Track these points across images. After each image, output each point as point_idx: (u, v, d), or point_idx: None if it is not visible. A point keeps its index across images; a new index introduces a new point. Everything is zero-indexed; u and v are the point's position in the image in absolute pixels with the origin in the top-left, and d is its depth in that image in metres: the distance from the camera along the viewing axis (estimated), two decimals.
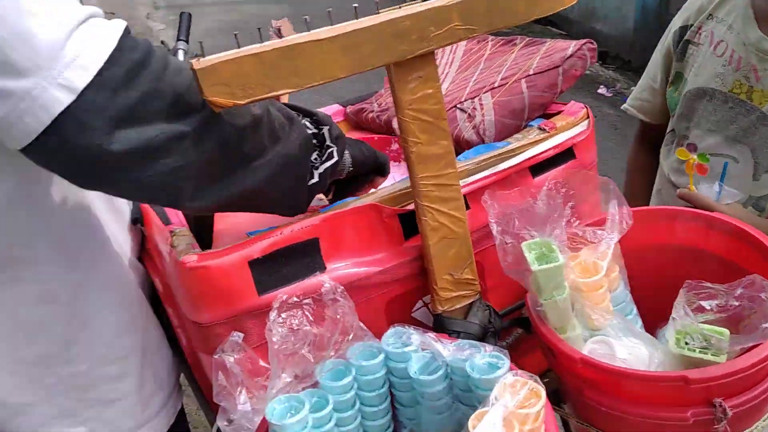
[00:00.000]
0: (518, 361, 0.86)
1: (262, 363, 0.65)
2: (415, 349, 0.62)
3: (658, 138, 1.21)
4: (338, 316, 0.59)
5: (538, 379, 0.54)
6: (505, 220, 0.67)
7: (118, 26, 0.52)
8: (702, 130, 1.08)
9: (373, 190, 0.78)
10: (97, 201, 0.70)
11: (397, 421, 0.68)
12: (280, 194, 0.65)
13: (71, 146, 0.50)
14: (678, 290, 0.82)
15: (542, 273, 0.63)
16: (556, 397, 0.87)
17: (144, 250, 0.80)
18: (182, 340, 0.76)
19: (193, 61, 0.52)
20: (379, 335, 0.75)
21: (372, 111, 1.03)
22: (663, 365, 0.65)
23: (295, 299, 0.61)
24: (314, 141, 0.67)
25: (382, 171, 0.79)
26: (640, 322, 0.77)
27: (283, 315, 0.60)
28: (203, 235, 0.76)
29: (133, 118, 0.51)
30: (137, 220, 0.79)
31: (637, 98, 1.23)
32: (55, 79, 0.48)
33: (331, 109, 1.10)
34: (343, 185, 0.77)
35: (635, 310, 0.77)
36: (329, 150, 0.68)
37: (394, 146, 1.00)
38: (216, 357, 0.62)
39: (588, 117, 0.86)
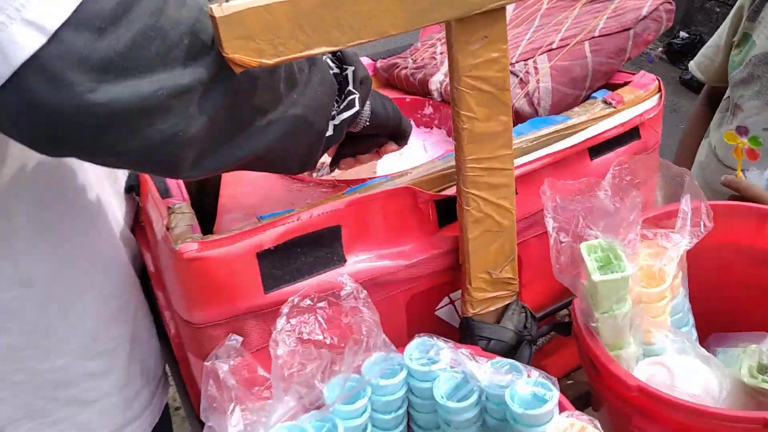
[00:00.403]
0: (542, 362, 0.84)
1: (261, 372, 0.60)
2: (444, 368, 0.58)
3: (715, 102, 1.17)
4: (363, 331, 0.54)
5: (597, 424, 0.50)
6: (564, 215, 0.61)
7: None
8: (762, 102, 1.03)
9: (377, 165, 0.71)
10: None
11: None
12: (293, 153, 0.58)
13: (38, 105, 0.40)
14: (732, 294, 0.79)
15: (605, 284, 0.58)
16: (582, 402, 0.84)
17: (137, 222, 0.73)
18: (170, 330, 0.70)
19: (213, 5, 0.44)
20: (397, 334, 0.70)
21: (405, 67, 0.95)
22: (730, 396, 0.62)
23: (308, 302, 0.56)
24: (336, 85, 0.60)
25: (400, 138, 0.72)
26: (695, 334, 0.73)
27: (293, 321, 0.55)
28: (205, 209, 0.70)
29: (123, 67, 0.41)
30: (132, 188, 0.71)
31: (701, 54, 1.20)
32: (18, 12, 0.38)
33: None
34: (346, 143, 0.69)
35: (692, 320, 0.73)
36: (351, 97, 0.60)
37: (428, 110, 0.93)
38: (208, 364, 0.56)
39: (660, 91, 0.79)
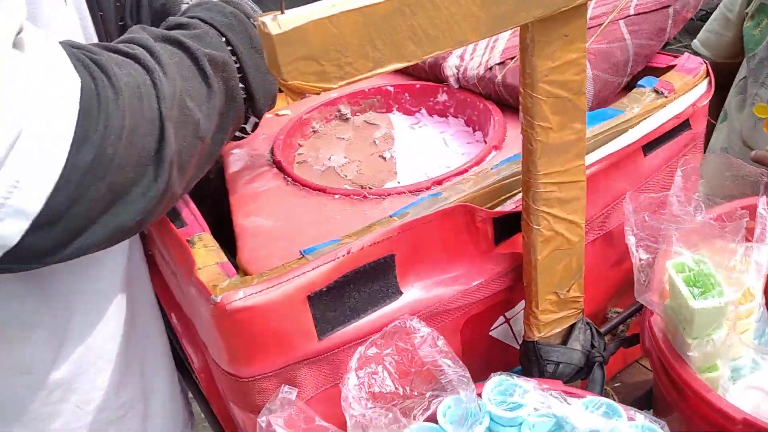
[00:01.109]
0: None
1: (319, 421, 0.53)
2: (529, 413, 0.51)
3: (720, 82, 1.11)
4: (442, 377, 0.47)
5: None
6: (648, 231, 0.55)
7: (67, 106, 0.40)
8: None
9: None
10: None
11: None
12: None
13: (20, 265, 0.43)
14: None
15: (703, 312, 0.52)
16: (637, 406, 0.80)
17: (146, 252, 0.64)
18: (193, 362, 0.62)
19: (264, 18, 0.35)
20: None
21: None
22: None
23: (375, 350, 0.48)
24: None
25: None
26: None
27: (361, 374, 0.48)
28: (215, 227, 0.61)
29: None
30: None
31: (706, 30, 1.13)
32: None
33: None
34: None
35: None
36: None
37: (442, 97, 0.85)
38: (262, 420, 0.49)
39: (708, 75, 0.73)
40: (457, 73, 0.84)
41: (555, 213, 0.54)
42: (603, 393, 0.60)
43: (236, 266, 0.59)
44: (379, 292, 0.53)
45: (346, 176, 0.78)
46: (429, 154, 0.82)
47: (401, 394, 0.47)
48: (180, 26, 0.53)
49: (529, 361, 0.61)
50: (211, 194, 0.78)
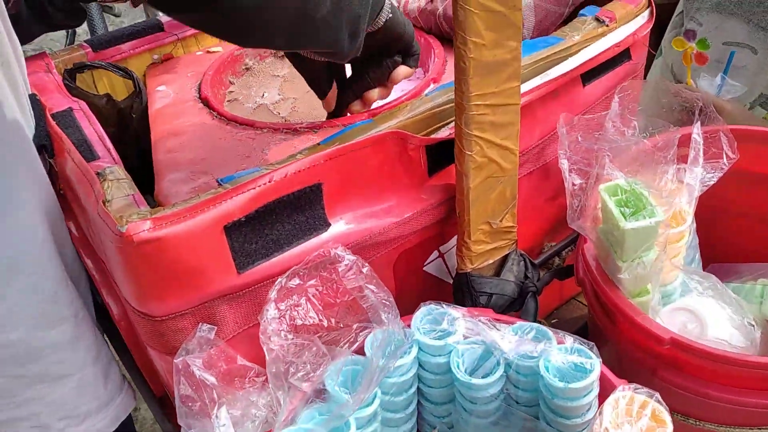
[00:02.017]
0: None
1: (241, 361, 0.50)
2: (459, 340, 0.49)
3: (663, 18, 1.10)
4: (366, 303, 0.44)
5: (659, 397, 0.43)
6: (583, 155, 0.53)
7: None
8: (722, 14, 0.97)
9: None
10: None
11: (420, 418, 0.56)
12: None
13: None
14: (726, 221, 0.75)
15: (634, 232, 0.50)
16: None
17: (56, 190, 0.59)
18: (112, 310, 0.57)
19: None
20: None
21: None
22: (764, 336, 0.57)
23: (297, 281, 0.45)
24: None
25: (412, 56, 0.62)
26: (701, 267, 0.68)
27: (282, 306, 0.45)
28: (134, 167, 0.57)
29: None
30: (44, 148, 0.57)
31: None
32: None
33: None
34: (352, 78, 0.62)
35: (698, 255, 0.68)
36: None
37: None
38: (178, 361, 0.46)
39: (650, 5, 0.71)
40: (398, 6, 0.80)
41: (488, 138, 0.52)
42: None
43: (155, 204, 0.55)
44: (305, 224, 0.50)
45: (279, 113, 0.73)
46: None
47: (326, 326, 0.45)
48: None
49: (462, 293, 0.59)
50: (135, 133, 0.73)
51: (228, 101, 0.77)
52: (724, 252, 0.72)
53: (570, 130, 0.51)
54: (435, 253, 0.64)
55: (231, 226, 0.45)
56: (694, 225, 0.62)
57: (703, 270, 0.73)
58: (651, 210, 0.49)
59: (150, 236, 0.43)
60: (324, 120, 0.64)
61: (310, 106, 0.75)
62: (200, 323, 0.47)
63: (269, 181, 0.47)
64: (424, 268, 0.64)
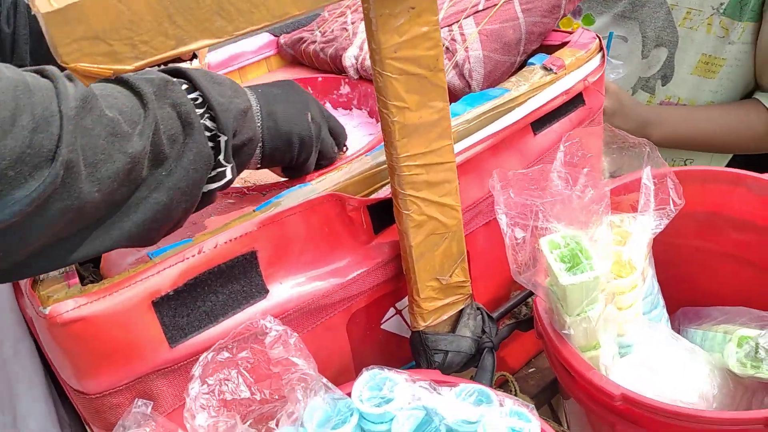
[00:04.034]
0: (500, 353, 0.77)
1: None
2: (401, 407, 0.49)
3: None
4: (299, 384, 0.44)
5: None
6: (520, 209, 0.53)
7: None
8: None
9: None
10: None
11: None
12: (161, 227, 0.47)
13: None
14: (696, 263, 0.74)
15: (575, 287, 0.50)
16: (548, 393, 0.78)
17: None
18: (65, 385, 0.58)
19: None
20: (341, 361, 0.61)
21: (314, 42, 0.83)
22: (719, 388, 0.56)
23: (227, 355, 0.45)
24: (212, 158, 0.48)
25: (327, 159, 0.61)
26: (666, 315, 0.67)
27: (210, 381, 0.44)
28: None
29: None
30: None
31: None
32: None
33: (258, 40, 0.88)
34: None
35: (662, 301, 0.67)
36: (221, 169, 0.49)
37: (344, 89, 0.82)
38: None
39: (601, 49, 0.71)
40: (356, 64, 0.82)
41: (424, 196, 0.52)
42: (493, 380, 0.58)
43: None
44: (241, 293, 0.50)
45: (243, 177, 0.74)
46: None
47: (259, 399, 0.44)
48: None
49: (416, 351, 0.58)
50: None
51: None
52: (701, 293, 0.71)
53: (505, 186, 0.51)
54: (392, 310, 0.64)
55: (159, 301, 0.46)
56: (652, 271, 0.62)
57: (674, 313, 0.72)
58: (590, 263, 0.49)
59: (75, 316, 0.43)
60: (275, 182, 0.65)
61: None
62: (136, 399, 0.47)
63: (198, 252, 0.47)
64: (382, 326, 0.64)
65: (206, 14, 0.36)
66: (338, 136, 0.62)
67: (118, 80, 0.41)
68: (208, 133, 0.46)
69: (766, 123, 0.99)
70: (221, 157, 0.48)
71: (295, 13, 0.38)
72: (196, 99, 0.46)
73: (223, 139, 0.47)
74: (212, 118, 0.47)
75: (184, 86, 0.46)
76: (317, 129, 0.58)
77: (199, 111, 0.46)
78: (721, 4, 0.96)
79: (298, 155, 0.57)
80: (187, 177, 0.45)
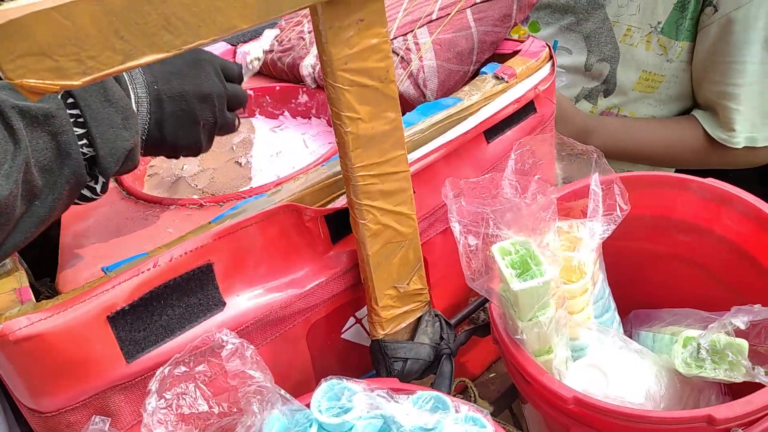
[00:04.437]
0: (461, 359, 0.78)
1: None
2: (359, 416, 0.49)
3: None
4: (249, 386, 0.44)
5: None
6: (472, 217, 0.54)
7: None
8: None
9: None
10: None
11: None
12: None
13: None
14: (647, 266, 0.77)
15: (525, 292, 0.51)
16: (508, 397, 0.80)
17: None
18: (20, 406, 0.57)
19: None
20: (302, 371, 0.61)
21: (271, 51, 0.84)
22: (666, 389, 0.58)
23: (183, 369, 0.45)
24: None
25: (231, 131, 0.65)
26: (618, 318, 0.69)
27: (168, 395, 0.44)
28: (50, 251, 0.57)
29: None
30: None
31: None
32: None
33: (215, 49, 0.88)
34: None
35: (613, 305, 0.69)
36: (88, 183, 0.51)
37: (302, 98, 0.83)
38: None
39: (551, 58, 0.73)
40: (313, 73, 0.83)
41: (380, 206, 0.53)
42: (452, 386, 0.59)
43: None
44: (197, 306, 0.50)
45: (197, 186, 0.74)
46: (287, 157, 0.79)
47: (217, 413, 0.44)
48: None
49: (376, 359, 0.59)
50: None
51: (148, 176, 0.77)
52: (652, 296, 0.73)
53: (457, 194, 0.52)
54: (352, 320, 0.64)
55: (115, 316, 0.46)
56: (603, 275, 0.63)
57: (626, 316, 0.74)
58: (540, 269, 0.50)
59: (28, 333, 0.43)
60: (233, 193, 0.65)
61: (228, 176, 0.76)
62: (93, 416, 0.47)
63: (154, 266, 0.47)
64: (342, 336, 0.64)
65: (153, 29, 0.36)
66: (240, 104, 0.65)
67: None
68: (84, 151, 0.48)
69: (702, 139, 1.03)
70: (98, 187, 0.51)
71: (243, 27, 0.39)
72: (80, 135, 0.48)
73: (102, 179, 0.50)
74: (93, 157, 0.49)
75: (73, 116, 0.48)
76: (209, 131, 0.61)
77: (81, 142, 0.48)
78: (659, 23, 0.99)
79: (184, 155, 0.61)
80: (60, 198, 0.47)
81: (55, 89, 0.34)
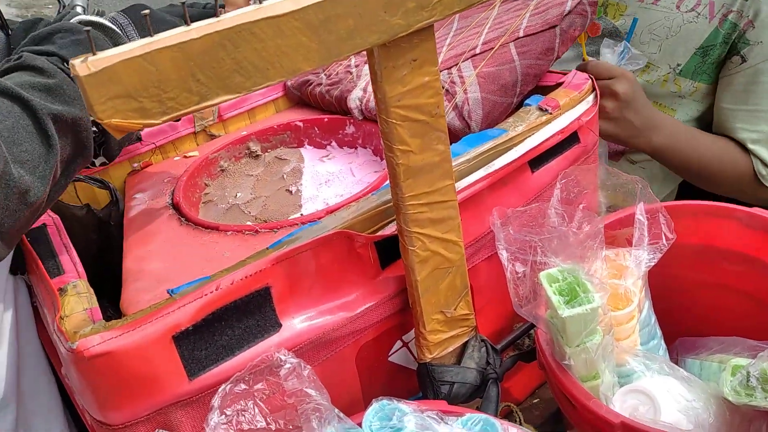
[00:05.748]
0: (504, 384, 0.79)
1: None
2: None
3: None
4: (313, 415, 0.47)
5: None
6: (519, 245, 0.56)
7: None
8: None
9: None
10: None
11: None
12: None
13: None
14: (693, 294, 0.77)
15: (573, 319, 0.53)
16: (551, 423, 0.80)
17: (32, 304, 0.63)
18: (85, 418, 0.60)
19: (75, 61, 0.35)
20: (349, 392, 0.63)
21: (319, 84, 0.88)
22: (716, 417, 0.58)
23: (243, 386, 0.48)
24: None
25: None
26: (664, 345, 0.70)
27: (228, 411, 0.47)
28: (111, 275, 0.61)
29: None
30: (18, 269, 0.61)
31: None
32: None
33: None
34: None
35: (659, 332, 0.69)
36: None
37: (350, 129, 0.86)
38: None
39: (594, 90, 0.75)
40: (360, 105, 0.86)
41: (429, 233, 0.55)
42: (497, 410, 0.60)
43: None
44: (255, 327, 0.53)
45: (249, 212, 0.78)
46: (335, 185, 0.82)
47: (274, 429, 0.47)
48: (33, 69, 0.52)
49: (423, 382, 0.61)
50: (117, 242, 0.77)
51: (203, 203, 0.81)
52: (698, 324, 0.73)
53: (505, 223, 0.54)
54: (399, 343, 0.66)
55: (179, 336, 0.49)
56: (648, 303, 0.64)
57: (672, 344, 0.74)
58: (588, 296, 0.52)
59: (100, 350, 0.46)
60: (285, 220, 0.68)
61: (279, 203, 0.79)
62: (156, 429, 0.50)
63: (216, 289, 0.50)
64: (389, 359, 0.66)
65: (226, 72, 0.39)
66: None
67: (26, 107, 0.47)
68: None
69: (750, 169, 1.01)
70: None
71: (306, 69, 0.42)
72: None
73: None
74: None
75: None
76: None
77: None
78: (678, 65, 1.00)
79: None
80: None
81: (139, 127, 0.37)
